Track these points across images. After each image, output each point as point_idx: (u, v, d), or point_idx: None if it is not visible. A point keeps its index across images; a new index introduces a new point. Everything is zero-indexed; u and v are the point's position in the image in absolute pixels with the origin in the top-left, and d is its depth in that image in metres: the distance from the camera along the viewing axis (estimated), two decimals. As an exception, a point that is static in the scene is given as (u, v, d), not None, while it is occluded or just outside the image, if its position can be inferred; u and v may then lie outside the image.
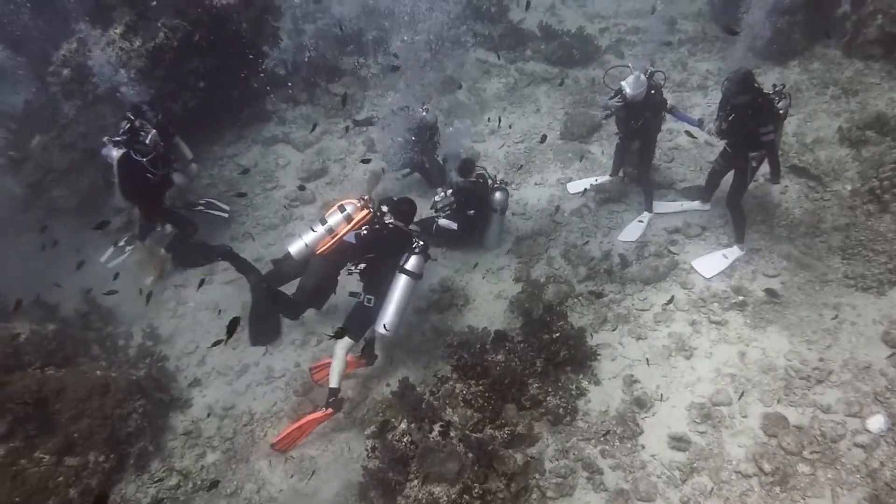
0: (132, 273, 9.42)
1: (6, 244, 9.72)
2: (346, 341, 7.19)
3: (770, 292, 7.83)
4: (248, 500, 6.80)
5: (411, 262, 7.10)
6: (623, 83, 8.34)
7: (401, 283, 7.08)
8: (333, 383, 7.09)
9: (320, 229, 7.33)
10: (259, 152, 11.84)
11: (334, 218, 7.34)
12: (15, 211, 10.63)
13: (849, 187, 8.98)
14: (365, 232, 7.16)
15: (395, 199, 7.63)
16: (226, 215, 10.28)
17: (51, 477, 6.55)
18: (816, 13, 11.87)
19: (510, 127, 11.84)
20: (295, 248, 7.37)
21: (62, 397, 7.00)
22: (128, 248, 9.55)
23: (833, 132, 9.99)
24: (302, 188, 10.59)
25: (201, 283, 8.64)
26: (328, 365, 7.44)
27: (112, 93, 9.73)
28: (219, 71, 11.54)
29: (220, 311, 8.80)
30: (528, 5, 11.98)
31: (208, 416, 7.66)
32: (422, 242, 7.25)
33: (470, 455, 5.83)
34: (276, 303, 7.63)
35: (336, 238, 7.19)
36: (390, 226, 7.27)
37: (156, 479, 7.05)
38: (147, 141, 8.45)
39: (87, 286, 8.88)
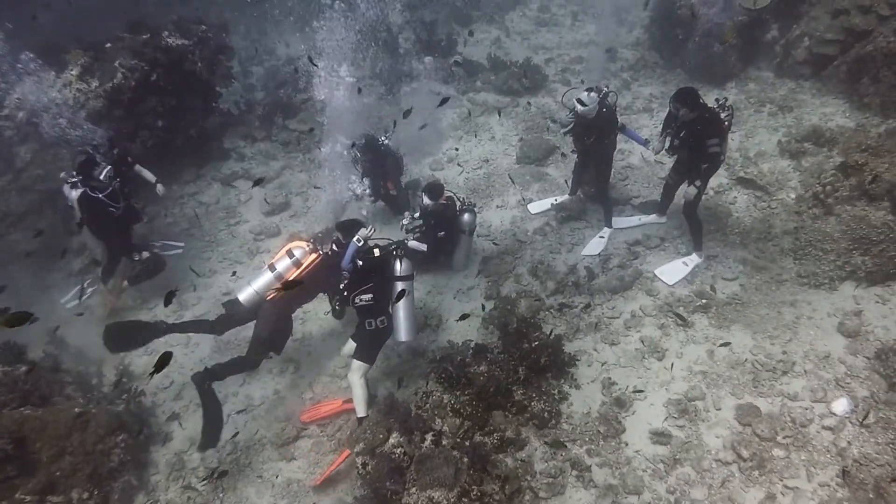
0: (96, 313, 9.36)
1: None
2: (357, 367, 7.26)
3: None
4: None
5: (402, 268, 7.15)
6: (575, 100, 8.74)
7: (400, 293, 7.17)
8: (361, 413, 7.16)
9: (269, 275, 7.24)
10: (219, 189, 11.89)
11: (283, 263, 7.26)
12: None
13: (793, 195, 9.56)
14: (360, 263, 7.06)
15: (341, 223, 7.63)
16: (181, 251, 10.42)
17: (33, 518, 6.42)
18: (750, 38, 12.66)
19: (456, 150, 12.29)
20: (245, 295, 7.27)
21: (42, 436, 6.86)
22: (89, 289, 9.50)
23: (773, 146, 10.66)
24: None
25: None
26: (315, 410, 7.68)
27: (66, 135, 9.71)
28: (176, 110, 11.63)
29: (195, 345, 8.78)
30: (470, 33, 12.30)
31: (190, 447, 7.60)
32: (400, 248, 7.33)
33: (465, 460, 5.98)
34: (224, 376, 7.27)
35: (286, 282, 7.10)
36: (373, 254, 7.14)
37: None
38: (101, 177, 8.48)
39: (52, 326, 8.76)
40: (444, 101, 9.29)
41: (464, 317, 8.27)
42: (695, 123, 8.04)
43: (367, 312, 7.18)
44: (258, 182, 10.70)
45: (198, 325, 7.83)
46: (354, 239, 7.04)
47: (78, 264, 10.22)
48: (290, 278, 7.12)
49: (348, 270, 7.07)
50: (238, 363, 7.31)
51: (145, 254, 9.32)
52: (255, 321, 7.33)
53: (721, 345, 7.66)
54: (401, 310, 7.14)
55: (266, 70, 16.48)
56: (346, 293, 7.15)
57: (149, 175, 9.54)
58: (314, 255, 7.32)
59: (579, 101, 8.65)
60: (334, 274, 7.29)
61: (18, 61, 10.05)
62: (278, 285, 7.07)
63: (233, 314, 7.49)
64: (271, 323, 7.21)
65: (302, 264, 7.24)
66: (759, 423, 6.68)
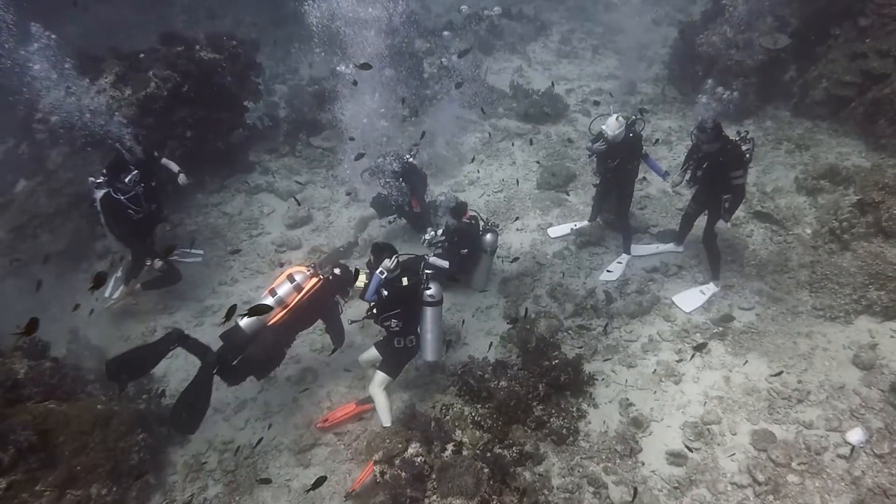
0: (117, 315, 9.55)
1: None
2: (381, 379, 7.40)
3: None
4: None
5: (431, 292, 7.27)
6: (603, 126, 8.92)
7: (430, 315, 7.31)
8: (386, 422, 7.27)
9: (269, 300, 7.10)
10: (243, 200, 12.09)
11: (284, 288, 7.13)
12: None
13: (809, 230, 9.73)
14: (385, 293, 7.15)
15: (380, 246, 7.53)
16: (200, 259, 10.59)
17: (52, 510, 6.49)
18: (769, 77, 12.92)
19: (478, 173, 12.54)
20: (245, 321, 7.06)
21: (65, 430, 6.95)
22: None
23: (790, 182, 10.84)
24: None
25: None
26: (332, 416, 7.79)
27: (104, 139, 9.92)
28: (205, 122, 11.88)
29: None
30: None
31: (207, 449, 7.68)
32: (428, 271, 7.49)
33: (486, 470, 6.07)
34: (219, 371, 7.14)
35: (287, 309, 7.10)
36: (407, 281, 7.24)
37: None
38: (127, 179, 8.64)
39: (74, 326, 8.92)
40: (465, 52, 9.29)
41: (513, 321, 8.39)
42: (717, 155, 8.22)
43: (397, 332, 7.33)
44: (300, 187, 10.89)
45: (200, 351, 7.30)
46: (378, 271, 7.11)
47: (101, 267, 10.36)
48: (292, 304, 7.10)
49: (373, 301, 7.21)
50: (231, 370, 7.21)
51: (158, 262, 9.36)
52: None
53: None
54: (429, 332, 7.32)
55: (290, 88, 16.80)
56: (375, 314, 7.32)
57: (173, 166, 9.75)
58: (315, 280, 7.26)
59: (608, 126, 8.87)
60: (333, 300, 7.49)
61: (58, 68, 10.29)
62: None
63: (234, 343, 7.17)
64: (267, 348, 7.18)
65: (303, 289, 7.16)
66: (774, 448, 6.78)
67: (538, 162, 12.70)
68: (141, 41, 12.68)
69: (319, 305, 7.40)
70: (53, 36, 9.53)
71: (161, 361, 7.28)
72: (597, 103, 13.76)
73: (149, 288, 9.61)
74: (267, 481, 7.02)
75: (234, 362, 7.16)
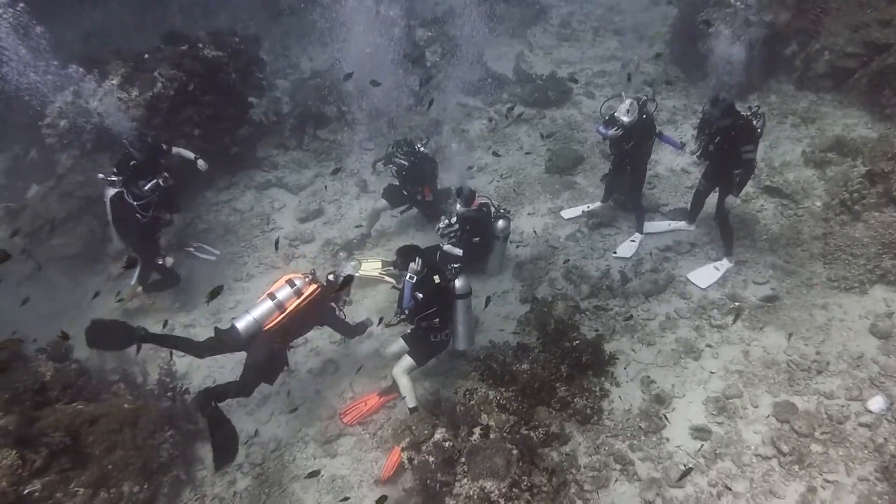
0: (133, 314, 9.65)
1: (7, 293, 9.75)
2: (408, 365, 7.52)
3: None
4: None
5: (459, 286, 7.42)
6: (617, 113, 8.97)
7: (461, 307, 7.50)
8: (412, 403, 7.41)
9: (269, 304, 7.09)
10: (254, 196, 12.14)
11: (283, 293, 7.13)
12: (13, 261, 10.63)
13: (819, 203, 9.78)
14: (420, 296, 7.24)
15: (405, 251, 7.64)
16: (214, 258, 10.62)
17: (87, 509, 6.58)
18: (771, 51, 12.91)
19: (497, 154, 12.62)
20: (243, 323, 7.05)
21: (94, 430, 7.04)
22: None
23: (797, 156, 10.89)
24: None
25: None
26: (355, 408, 7.88)
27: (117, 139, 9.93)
28: (211, 120, 11.91)
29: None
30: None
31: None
32: (453, 266, 7.59)
33: (514, 452, 6.15)
34: (223, 398, 7.15)
35: (285, 313, 7.09)
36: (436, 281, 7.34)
37: None
38: (146, 188, 8.70)
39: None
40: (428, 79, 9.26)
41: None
42: (728, 130, 8.26)
43: (435, 328, 7.48)
44: (336, 171, 11.45)
45: (182, 344, 7.47)
46: (407, 277, 7.26)
47: (116, 269, 10.41)
48: (290, 309, 7.10)
49: (413, 308, 7.28)
50: (233, 388, 7.20)
51: (170, 260, 9.51)
52: (244, 350, 7.28)
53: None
54: (461, 324, 7.53)
55: (291, 83, 16.81)
56: (409, 315, 7.40)
57: (188, 153, 9.72)
58: (314, 286, 7.25)
59: (619, 112, 8.94)
60: (329, 306, 7.54)
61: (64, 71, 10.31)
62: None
63: (222, 341, 7.22)
64: (266, 354, 7.15)
65: (302, 293, 7.15)
66: (796, 419, 6.86)
67: (543, 135, 12.87)
68: (140, 43, 12.65)
69: (316, 312, 7.41)
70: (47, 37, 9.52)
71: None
72: (574, 81, 13.75)
73: (149, 290, 9.69)
74: (315, 473, 7.08)
75: (240, 375, 7.22)
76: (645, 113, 9.02)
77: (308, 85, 15.50)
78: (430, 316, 7.32)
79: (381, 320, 8.18)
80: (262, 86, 13.59)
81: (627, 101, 8.89)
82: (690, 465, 6.64)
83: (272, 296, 7.13)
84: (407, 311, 7.33)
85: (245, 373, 7.19)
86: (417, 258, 7.31)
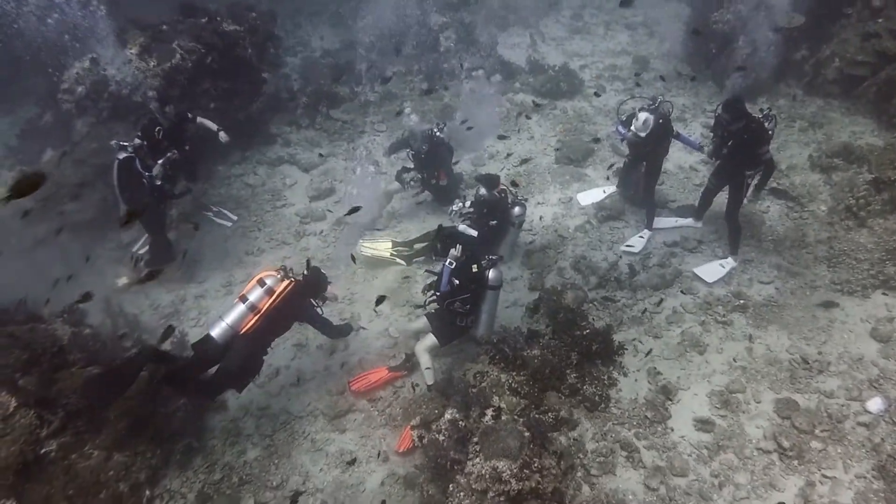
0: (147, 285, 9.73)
1: (22, 257, 9.82)
2: (431, 344, 7.77)
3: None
4: (294, 491, 7.05)
5: (492, 278, 7.63)
6: (633, 128, 9.19)
7: (491, 297, 7.76)
8: (430, 381, 7.65)
9: (241, 307, 6.95)
10: (265, 172, 12.24)
11: (255, 294, 6.98)
12: (28, 224, 10.68)
13: (824, 207, 9.97)
14: (457, 282, 7.50)
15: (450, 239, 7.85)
16: (230, 224, 10.80)
17: (101, 471, 6.69)
18: (780, 56, 13.07)
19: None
20: (217, 330, 6.90)
21: (109, 394, 7.15)
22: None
23: (804, 160, 11.06)
24: None
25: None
26: (365, 378, 8.05)
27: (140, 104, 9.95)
28: (228, 93, 11.96)
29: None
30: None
31: (244, 415, 7.90)
32: (490, 256, 7.79)
33: (527, 434, 6.33)
34: (180, 385, 7.01)
35: (260, 314, 6.95)
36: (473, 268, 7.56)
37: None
38: (154, 171, 8.87)
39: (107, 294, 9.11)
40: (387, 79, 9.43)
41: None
42: (741, 132, 8.42)
43: (463, 313, 7.74)
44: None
45: (172, 363, 7.13)
46: (447, 262, 7.50)
47: (127, 237, 10.48)
48: (264, 310, 6.96)
49: (447, 292, 7.53)
50: (202, 385, 7.10)
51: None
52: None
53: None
54: (485, 313, 7.79)
55: (302, 61, 16.84)
56: (440, 298, 7.67)
57: (211, 125, 9.88)
58: (286, 283, 7.14)
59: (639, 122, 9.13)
60: (307, 302, 7.54)
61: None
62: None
63: (207, 353, 6.98)
64: (242, 358, 6.97)
65: (275, 292, 7.02)
66: (797, 416, 7.08)
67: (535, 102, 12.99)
68: (154, 13, 12.59)
69: (293, 309, 7.32)
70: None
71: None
72: (597, 95, 13.83)
73: (148, 267, 9.72)
74: (353, 462, 7.29)
75: (212, 374, 7.02)
76: (661, 117, 9.16)
77: (321, 63, 15.55)
78: (462, 301, 7.58)
79: (360, 329, 8.61)
80: (277, 62, 13.64)
81: (643, 116, 9.05)
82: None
83: (244, 298, 7.00)
84: (438, 294, 7.57)
85: (216, 375, 6.99)
86: (458, 245, 7.56)
